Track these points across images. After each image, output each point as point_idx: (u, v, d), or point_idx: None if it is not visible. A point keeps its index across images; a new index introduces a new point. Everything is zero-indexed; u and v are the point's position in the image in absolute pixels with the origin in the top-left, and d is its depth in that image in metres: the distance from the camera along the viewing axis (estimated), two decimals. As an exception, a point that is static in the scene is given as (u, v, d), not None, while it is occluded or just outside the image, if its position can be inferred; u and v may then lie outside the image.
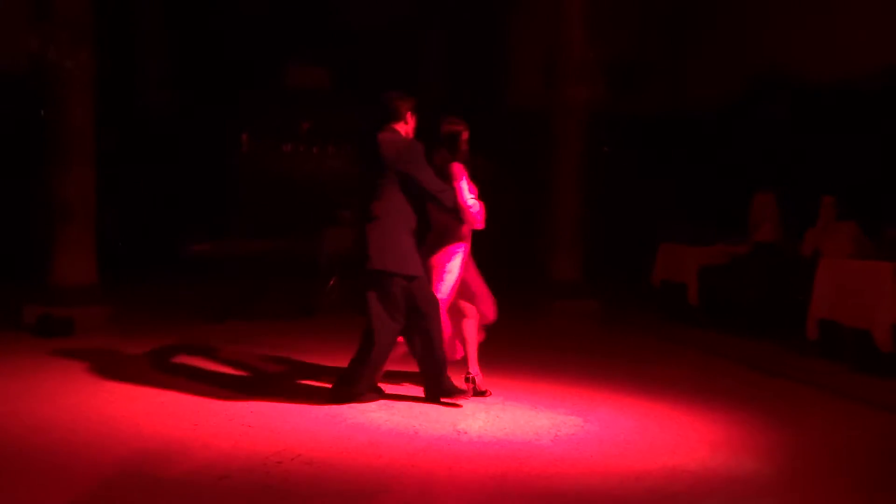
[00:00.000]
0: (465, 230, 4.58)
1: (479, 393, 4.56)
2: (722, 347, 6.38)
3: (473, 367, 4.58)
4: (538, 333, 6.98)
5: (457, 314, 4.59)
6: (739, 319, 6.97)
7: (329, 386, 4.58)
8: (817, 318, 5.86)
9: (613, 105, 8.99)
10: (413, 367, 4.62)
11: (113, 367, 5.10)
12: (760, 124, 8.83)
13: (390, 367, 4.63)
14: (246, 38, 9.35)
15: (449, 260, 4.50)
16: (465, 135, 4.59)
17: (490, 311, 4.70)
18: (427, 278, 4.41)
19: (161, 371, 5.05)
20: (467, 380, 4.52)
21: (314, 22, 9.39)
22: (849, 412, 4.70)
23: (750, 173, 8.03)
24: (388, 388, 4.66)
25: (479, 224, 4.52)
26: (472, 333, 4.59)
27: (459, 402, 4.40)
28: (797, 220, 6.92)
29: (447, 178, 4.43)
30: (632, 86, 9.89)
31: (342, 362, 5.36)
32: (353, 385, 4.39)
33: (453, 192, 4.40)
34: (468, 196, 4.44)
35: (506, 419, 4.24)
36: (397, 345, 4.45)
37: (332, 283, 7.79)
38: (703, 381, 5.30)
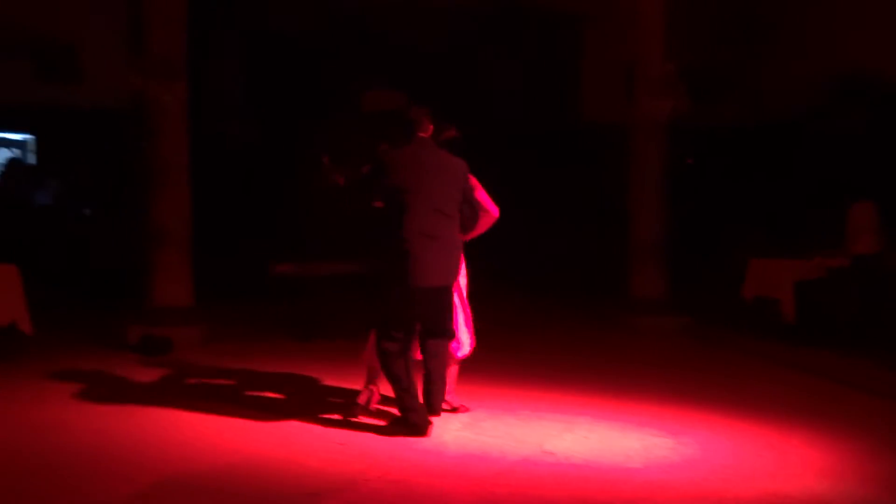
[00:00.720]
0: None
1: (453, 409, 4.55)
2: (821, 366, 6.06)
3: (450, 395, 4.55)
4: (623, 352, 6.82)
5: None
6: (839, 336, 6.60)
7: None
8: (926, 334, 5.49)
9: (692, 117, 8.76)
10: (497, 386, 4.60)
11: (207, 385, 5.29)
12: (845, 131, 8.41)
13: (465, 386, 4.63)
14: (324, 66, 9.68)
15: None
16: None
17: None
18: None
19: (252, 389, 5.20)
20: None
21: (387, 46, 9.61)
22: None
23: (837, 182, 7.63)
24: (473, 406, 4.64)
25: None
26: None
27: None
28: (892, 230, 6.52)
29: None
30: (710, 96, 9.62)
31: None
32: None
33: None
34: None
35: (594, 440, 4.15)
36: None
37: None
38: (803, 401, 5.03)
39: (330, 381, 5.38)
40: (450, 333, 4.33)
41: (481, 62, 10.32)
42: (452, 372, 4.52)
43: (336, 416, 4.52)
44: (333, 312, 6.75)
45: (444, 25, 9.85)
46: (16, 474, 3.63)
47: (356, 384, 5.16)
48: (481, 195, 4.42)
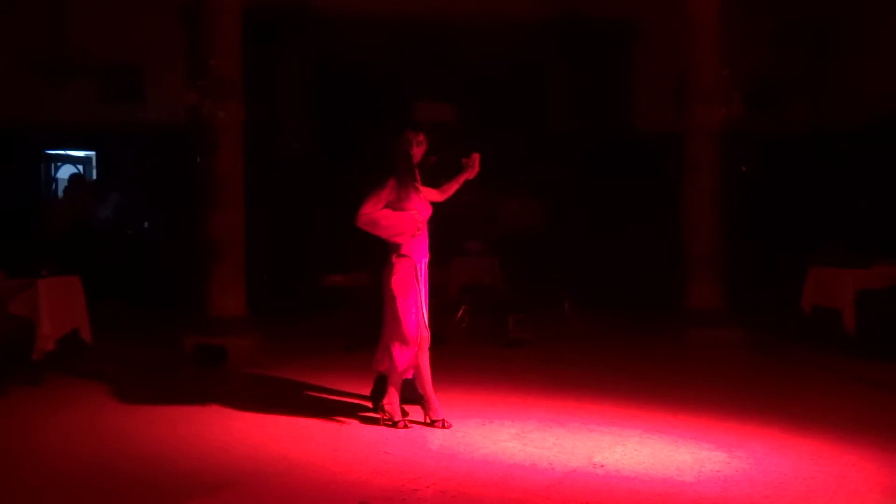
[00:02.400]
0: (412, 243, 4.57)
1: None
2: (884, 379, 5.81)
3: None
4: (677, 363, 6.68)
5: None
6: (905, 349, 6.33)
7: (457, 413, 4.69)
8: None
9: (753, 124, 8.56)
10: (548, 397, 4.55)
11: (259, 394, 5.40)
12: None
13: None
14: (376, 79, 9.83)
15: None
16: (413, 143, 4.64)
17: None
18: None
19: (303, 398, 5.28)
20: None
21: (440, 59, 9.70)
22: None
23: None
24: (519, 417, 4.62)
25: (381, 235, 4.52)
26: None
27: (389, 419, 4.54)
28: None
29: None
30: (772, 103, 9.38)
31: (472, 390, 5.43)
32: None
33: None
34: (372, 206, 4.49)
35: (644, 453, 4.07)
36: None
37: (461, 312, 7.88)
38: (866, 416, 4.83)
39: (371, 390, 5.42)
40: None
41: (536, 74, 10.34)
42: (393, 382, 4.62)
43: (383, 426, 4.55)
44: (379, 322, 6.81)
45: (500, 38, 9.92)
46: (79, 482, 3.75)
47: (403, 391, 5.19)
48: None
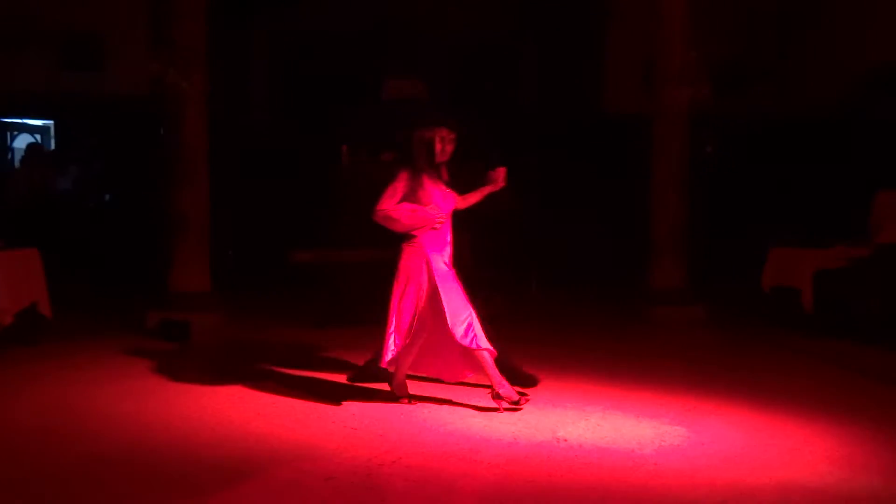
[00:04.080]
0: (426, 237, 4.45)
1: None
2: (840, 357, 5.99)
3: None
4: (639, 341, 6.80)
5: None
6: (859, 327, 6.52)
7: (427, 390, 4.67)
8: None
9: (721, 106, 8.65)
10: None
11: (224, 371, 5.34)
12: (877, 122, 8.25)
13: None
14: (345, 55, 9.68)
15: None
16: (438, 138, 4.51)
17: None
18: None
19: (269, 374, 5.25)
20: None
21: (410, 36, 9.60)
22: None
23: (868, 173, 7.50)
24: (484, 394, 4.66)
25: (398, 230, 4.45)
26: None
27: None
28: None
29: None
30: (740, 86, 9.48)
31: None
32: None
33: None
34: (389, 200, 4.41)
35: (607, 428, 4.15)
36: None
37: None
38: (819, 392, 4.98)
39: (344, 366, 5.41)
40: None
41: (508, 54, 10.29)
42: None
43: (350, 401, 4.56)
44: (351, 300, 6.80)
45: (472, 16, 9.83)
46: (43, 461, 3.69)
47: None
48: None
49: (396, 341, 4.41)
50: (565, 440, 3.93)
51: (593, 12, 10.21)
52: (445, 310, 4.30)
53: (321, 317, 6.68)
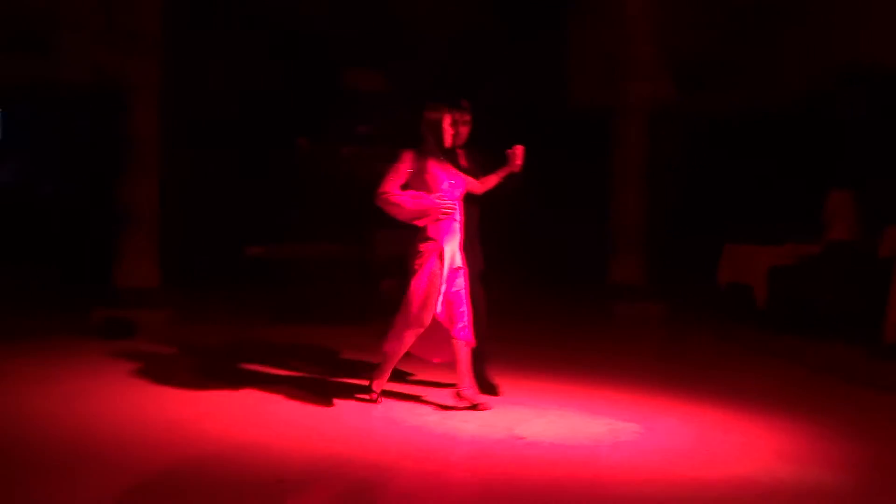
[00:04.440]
0: (438, 226, 4.24)
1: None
2: (792, 352, 6.10)
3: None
4: (598, 338, 6.82)
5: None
6: (811, 323, 6.65)
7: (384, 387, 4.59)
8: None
9: (685, 102, 8.72)
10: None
11: (173, 369, 5.20)
12: (837, 120, 8.42)
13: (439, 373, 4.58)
14: (304, 45, 9.50)
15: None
16: (448, 120, 4.31)
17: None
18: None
19: (219, 373, 5.12)
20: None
21: (372, 27, 9.47)
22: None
23: (830, 170, 7.65)
24: (442, 392, 4.61)
25: (400, 217, 4.23)
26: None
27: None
28: (879, 219, 6.53)
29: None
30: (704, 83, 9.58)
31: (397, 366, 5.37)
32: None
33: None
34: (391, 183, 4.20)
35: (563, 425, 4.14)
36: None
37: (386, 285, 7.80)
38: (772, 387, 5.07)
39: (297, 363, 5.31)
40: None
41: (473, 46, 10.23)
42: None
43: (304, 400, 4.46)
44: (308, 296, 6.69)
45: (436, 7, 9.75)
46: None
47: (324, 365, 5.11)
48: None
49: (406, 333, 4.23)
50: (522, 438, 3.91)
51: (560, 4, 10.21)
52: (442, 297, 4.20)
53: (276, 313, 6.56)
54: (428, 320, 4.24)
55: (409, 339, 4.29)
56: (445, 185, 4.25)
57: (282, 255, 6.84)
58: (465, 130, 4.43)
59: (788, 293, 6.82)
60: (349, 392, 4.64)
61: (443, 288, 4.23)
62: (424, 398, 4.52)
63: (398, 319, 4.30)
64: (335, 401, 4.45)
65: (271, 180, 8.27)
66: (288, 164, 7.30)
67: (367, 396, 4.40)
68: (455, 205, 4.28)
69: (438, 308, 4.24)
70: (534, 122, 9.92)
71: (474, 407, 4.31)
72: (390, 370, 4.42)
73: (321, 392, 4.62)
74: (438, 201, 4.20)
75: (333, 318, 6.95)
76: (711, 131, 9.64)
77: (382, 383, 4.43)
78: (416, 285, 4.23)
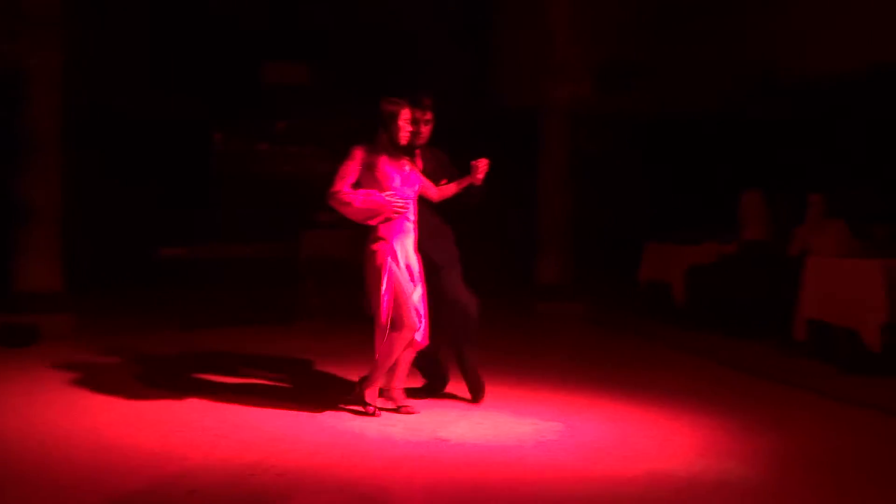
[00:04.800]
0: (388, 226, 4.09)
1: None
2: (709, 349, 6.28)
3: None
4: (521, 338, 6.86)
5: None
6: (727, 320, 6.87)
7: (307, 392, 4.47)
8: (806, 318, 5.77)
9: (605, 104, 8.87)
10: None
11: (79, 377, 4.93)
12: (749, 123, 8.76)
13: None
14: (221, 36, 9.16)
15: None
16: (404, 115, 4.16)
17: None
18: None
19: (130, 381, 4.89)
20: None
21: (293, 19, 9.24)
22: (838, 414, 4.61)
23: (742, 172, 7.94)
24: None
25: (352, 217, 4.08)
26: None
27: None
28: (789, 219, 6.82)
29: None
30: (624, 85, 9.78)
31: (317, 369, 5.25)
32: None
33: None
34: (343, 181, 4.05)
35: (487, 426, 4.12)
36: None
37: (310, 287, 7.63)
38: (689, 384, 5.18)
39: (214, 368, 5.13)
40: None
41: (396, 42, 10.12)
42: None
43: (217, 407, 4.29)
44: (224, 299, 6.47)
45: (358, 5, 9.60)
46: None
47: (244, 370, 4.91)
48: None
49: (392, 337, 4.03)
50: (447, 440, 3.87)
51: (486, 4, 10.24)
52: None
53: (190, 318, 6.29)
54: (413, 318, 4.06)
55: (400, 343, 4.08)
56: (397, 183, 4.09)
57: (198, 256, 6.57)
58: (426, 130, 4.30)
59: (706, 291, 7.05)
60: (265, 398, 4.48)
61: (408, 286, 4.07)
62: (344, 403, 4.40)
63: (376, 328, 4.09)
64: (250, 407, 4.29)
65: (185, 178, 7.95)
66: (203, 161, 7.02)
67: (363, 410, 4.14)
68: (407, 203, 4.11)
69: (412, 303, 4.06)
70: (462, 121, 9.94)
71: (363, 409, 4.21)
72: (380, 379, 4.18)
73: (235, 399, 4.45)
74: (389, 199, 4.04)
75: (254, 320, 6.75)
76: (633, 133, 9.88)
77: (375, 393, 4.19)
78: (376, 287, 4.06)
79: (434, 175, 4.31)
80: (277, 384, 4.88)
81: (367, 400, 4.18)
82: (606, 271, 8.61)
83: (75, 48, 6.36)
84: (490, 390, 4.79)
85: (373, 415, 4.14)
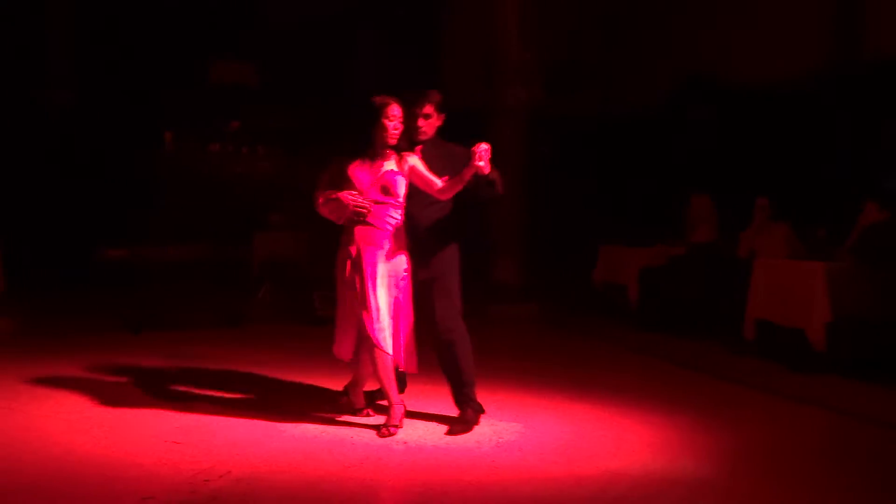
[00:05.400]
0: (356, 229, 3.93)
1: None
2: (661, 349, 6.41)
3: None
4: (477, 339, 6.82)
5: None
6: (678, 321, 7.03)
7: (253, 397, 4.39)
8: (754, 318, 5.93)
9: (555, 107, 8.97)
10: (349, 378, 4.44)
11: (18, 383, 4.76)
12: (691, 126, 8.98)
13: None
14: (167, 33, 8.93)
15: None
16: (389, 110, 3.91)
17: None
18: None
19: (74, 386, 4.73)
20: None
21: (239, 16, 9.06)
22: (785, 411, 4.75)
23: (685, 175, 8.13)
24: (322, 399, 4.47)
25: (329, 218, 3.93)
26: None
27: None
28: (735, 222, 7.01)
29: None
30: (568, 87, 9.91)
31: (271, 373, 5.17)
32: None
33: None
34: (319, 188, 3.95)
35: (445, 428, 4.11)
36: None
37: (263, 289, 7.52)
38: (642, 383, 5.29)
39: (162, 375, 5.03)
40: None
41: (346, 40, 10.04)
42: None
43: (171, 412, 4.20)
44: (171, 301, 6.32)
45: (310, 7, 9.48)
46: None
47: (195, 375, 4.81)
48: None
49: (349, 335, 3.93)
50: (405, 442, 3.86)
51: (435, 5, 10.23)
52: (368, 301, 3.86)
53: (135, 320, 6.12)
54: (384, 319, 3.91)
55: (382, 348, 3.91)
56: (365, 184, 3.91)
57: (144, 258, 6.41)
58: (425, 124, 4.06)
59: (657, 292, 7.19)
60: (217, 402, 4.41)
61: (378, 290, 3.89)
62: (300, 407, 4.36)
63: (361, 341, 3.99)
64: (202, 412, 4.21)
65: (132, 178, 7.73)
66: (149, 161, 6.84)
67: (386, 432, 3.93)
68: (370, 206, 3.88)
69: (384, 305, 3.91)
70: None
71: (354, 412, 4.20)
72: (394, 391, 4.00)
73: (186, 404, 4.37)
74: (350, 199, 3.86)
75: (203, 322, 6.61)
76: (583, 135, 10.03)
77: (398, 413, 3.99)
78: (343, 295, 3.95)
79: (443, 172, 3.94)
80: (231, 388, 4.79)
81: (395, 422, 3.96)
82: (561, 273, 8.72)
83: (9, 47, 6.11)
84: (446, 392, 4.79)
85: (393, 435, 3.92)
